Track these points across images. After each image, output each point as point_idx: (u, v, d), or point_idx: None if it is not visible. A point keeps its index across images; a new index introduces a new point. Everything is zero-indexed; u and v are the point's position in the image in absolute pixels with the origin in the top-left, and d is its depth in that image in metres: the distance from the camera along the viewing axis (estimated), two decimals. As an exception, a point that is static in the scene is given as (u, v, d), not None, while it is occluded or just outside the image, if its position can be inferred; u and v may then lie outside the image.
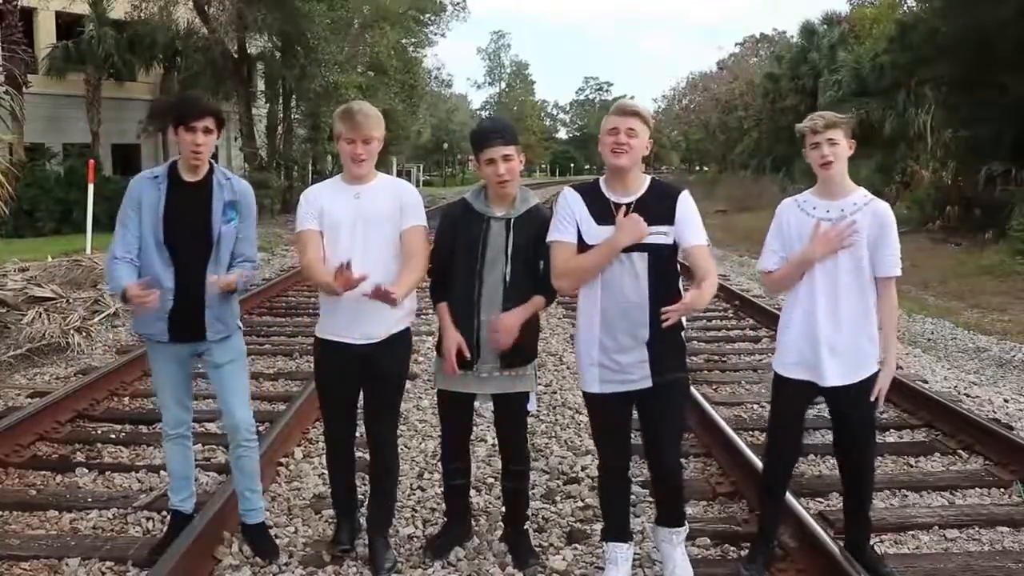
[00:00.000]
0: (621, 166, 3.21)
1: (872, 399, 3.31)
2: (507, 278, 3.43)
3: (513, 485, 3.73)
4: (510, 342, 3.40)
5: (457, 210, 3.57)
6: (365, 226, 3.45)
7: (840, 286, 3.30)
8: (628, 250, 3.16)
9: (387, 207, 3.50)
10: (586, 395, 3.40)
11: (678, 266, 3.31)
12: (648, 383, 3.24)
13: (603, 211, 3.24)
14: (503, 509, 3.86)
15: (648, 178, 3.32)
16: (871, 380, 3.33)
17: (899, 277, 3.37)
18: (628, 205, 3.22)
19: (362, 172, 3.49)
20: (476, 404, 3.70)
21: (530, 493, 4.05)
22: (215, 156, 3.69)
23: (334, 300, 3.40)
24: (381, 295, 3.22)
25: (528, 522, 3.89)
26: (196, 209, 3.49)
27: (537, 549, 3.80)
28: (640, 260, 3.18)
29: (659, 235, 3.18)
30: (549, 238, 3.32)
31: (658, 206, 3.21)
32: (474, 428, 4.05)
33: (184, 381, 3.70)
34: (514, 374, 3.52)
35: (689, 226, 3.22)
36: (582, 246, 3.25)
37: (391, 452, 3.72)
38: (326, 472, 4.68)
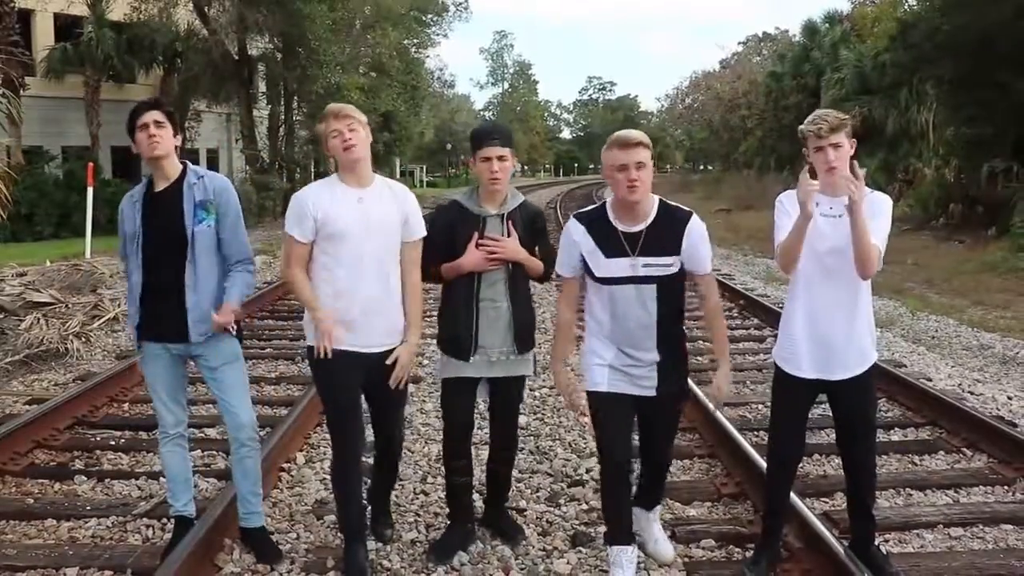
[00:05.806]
0: (638, 201, 3.24)
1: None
2: (509, 269, 3.57)
3: (501, 468, 3.89)
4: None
5: (451, 212, 3.63)
6: (370, 235, 3.39)
7: (842, 281, 3.28)
8: (638, 281, 3.27)
9: (391, 215, 3.46)
10: (592, 395, 3.42)
11: (683, 286, 3.41)
12: (653, 392, 3.37)
13: (612, 243, 3.30)
14: (485, 489, 3.97)
15: (656, 201, 3.34)
16: (870, 373, 3.36)
17: (880, 271, 3.34)
18: (637, 235, 3.28)
19: (354, 158, 3.37)
20: (477, 400, 3.72)
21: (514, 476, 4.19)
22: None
23: (346, 311, 3.38)
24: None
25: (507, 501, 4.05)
26: (168, 215, 3.47)
27: (541, 553, 3.79)
28: (649, 290, 3.29)
29: (665, 267, 3.28)
30: (556, 271, 3.50)
31: (667, 235, 3.29)
32: (477, 431, 4.02)
33: (176, 380, 3.67)
34: (518, 358, 3.62)
35: (696, 255, 3.33)
36: (591, 277, 3.35)
37: (401, 434, 3.94)
38: (328, 478, 4.67)
